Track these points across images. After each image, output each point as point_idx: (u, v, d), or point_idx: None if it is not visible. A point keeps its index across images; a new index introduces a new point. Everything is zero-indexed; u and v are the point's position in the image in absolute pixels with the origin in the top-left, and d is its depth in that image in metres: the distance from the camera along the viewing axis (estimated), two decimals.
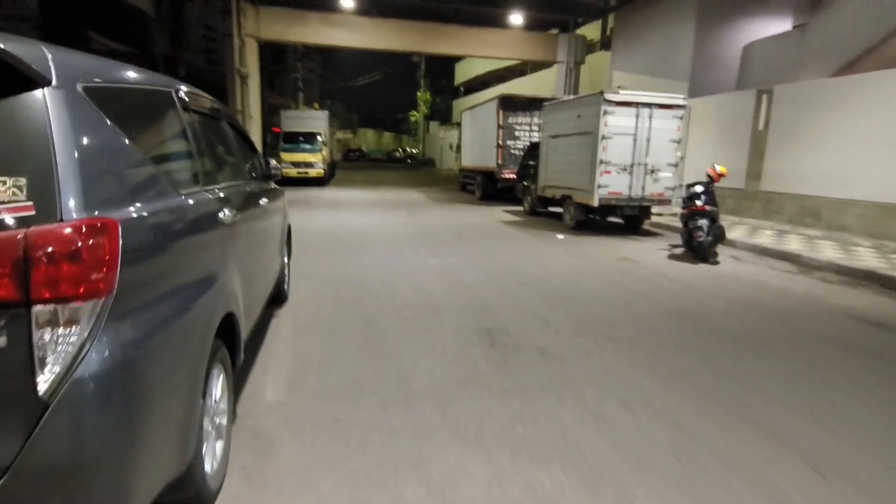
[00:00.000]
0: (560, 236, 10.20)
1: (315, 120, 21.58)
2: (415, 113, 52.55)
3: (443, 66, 51.24)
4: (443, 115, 49.54)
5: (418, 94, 48.78)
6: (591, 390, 3.53)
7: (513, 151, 15.10)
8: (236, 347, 2.52)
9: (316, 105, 22.27)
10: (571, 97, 10.73)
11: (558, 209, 12.83)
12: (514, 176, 14.89)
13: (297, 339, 4.39)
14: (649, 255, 8.48)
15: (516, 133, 15.05)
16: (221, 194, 2.59)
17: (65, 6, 19.07)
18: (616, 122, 9.72)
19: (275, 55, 32.20)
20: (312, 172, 19.93)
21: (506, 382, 3.61)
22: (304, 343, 4.32)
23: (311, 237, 9.38)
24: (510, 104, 14.86)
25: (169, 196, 1.95)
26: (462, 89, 46.64)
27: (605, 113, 9.65)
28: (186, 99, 2.49)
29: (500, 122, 14.77)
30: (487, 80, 40.96)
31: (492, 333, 4.65)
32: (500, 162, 14.98)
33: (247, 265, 2.78)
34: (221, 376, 2.30)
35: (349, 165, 44.64)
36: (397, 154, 73.03)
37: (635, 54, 17.63)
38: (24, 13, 18.31)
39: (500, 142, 14.90)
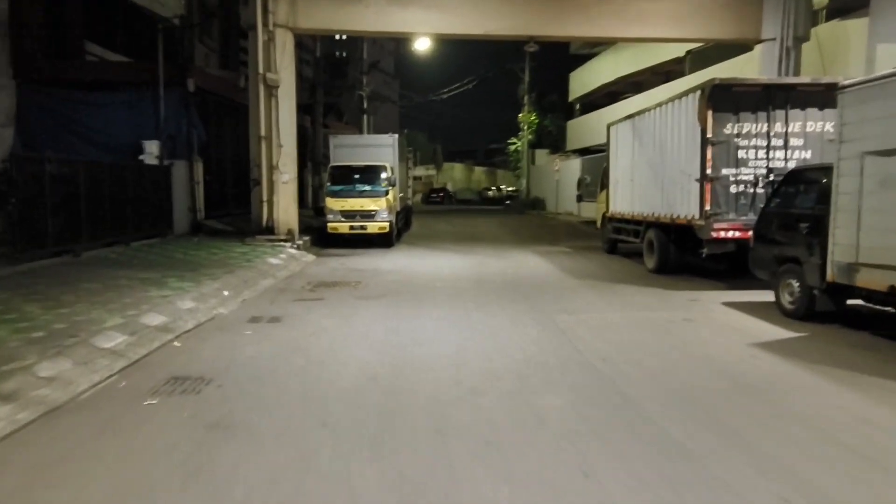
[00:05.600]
0: None
1: (378, 148, 17.92)
2: (515, 140, 48.23)
3: (551, 80, 46.92)
4: (552, 141, 44.82)
5: (520, 115, 44.49)
6: None
7: (734, 187, 9.85)
8: None
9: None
10: None
11: (873, 307, 7.00)
12: (739, 234, 9.54)
13: None
14: None
15: (741, 153, 9.83)
16: None
17: (65, 17, 17.20)
18: None
19: (333, 68, 28.97)
20: (373, 227, 16.29)
21: None
22: None
23: (302, 452, 4.16)
24: (728, 98, 9.84)
25: None
26: (577, 107, 41.86)
27: None
28: None
29: (710, 133, 9.72)
30: (615, 92, 35.89)
31: None
32: (708, 208, 9.72)
33: None
34: None
35: (430, 210, 41.22)
36: (491, 193, 69.47)
37: None
38: None
39: (710, 170, 9.73)
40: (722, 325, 7.61)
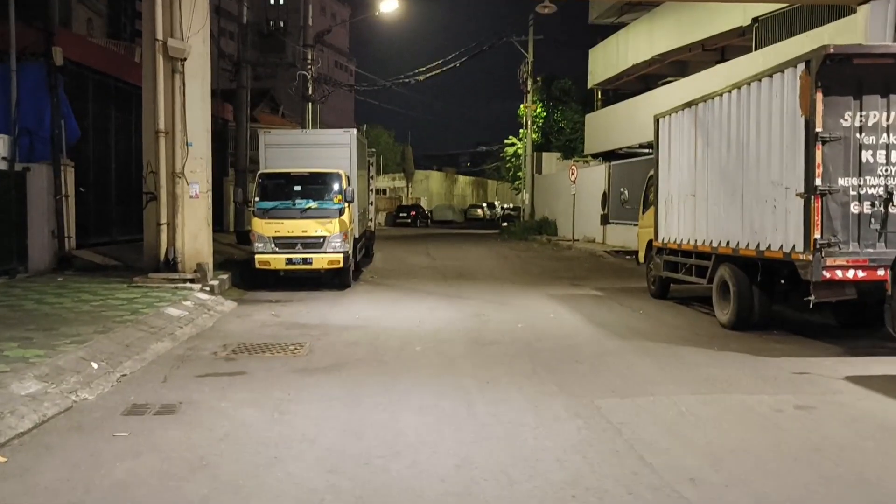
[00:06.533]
0: None
1: (328, 148, 17.84)
2: (514, 140, 48.18)
3: (563, 60, 47.10)
4: (565, 141, 44.93)
5: (521, 107, 44.59)
6: None
7: (856, 206, 9.65)
8: None
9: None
10: None
11: None
12: (864, 275, 9.34)
13: None
14: None
15: (866, 154, 9.55)
16: None
17: None
18: None
19: (265, 41, 28.49)
20: (321, 261, 16.08)
21: None
22: None
23: None
24: (846, 75, 9.41)
25: None
26: (598, 95, 41.94)
27: None
28: None
29: (820, 127, 9.40)
30: (651, 75, 36.02)
31: None
32: (818, 236, 9.55)
33: None
34: None
35: (399, 235, 41.44)
36: (480, 212, 69.58)
37: None
38: None
39: (820, 180, 9.45)
40: (860, 417, 6.83)
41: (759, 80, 10.77)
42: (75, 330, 9.41)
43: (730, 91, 11.74)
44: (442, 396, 7.38)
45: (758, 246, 10.79)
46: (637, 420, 6.58)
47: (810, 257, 9.38)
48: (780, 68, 10.17)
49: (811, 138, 9.36)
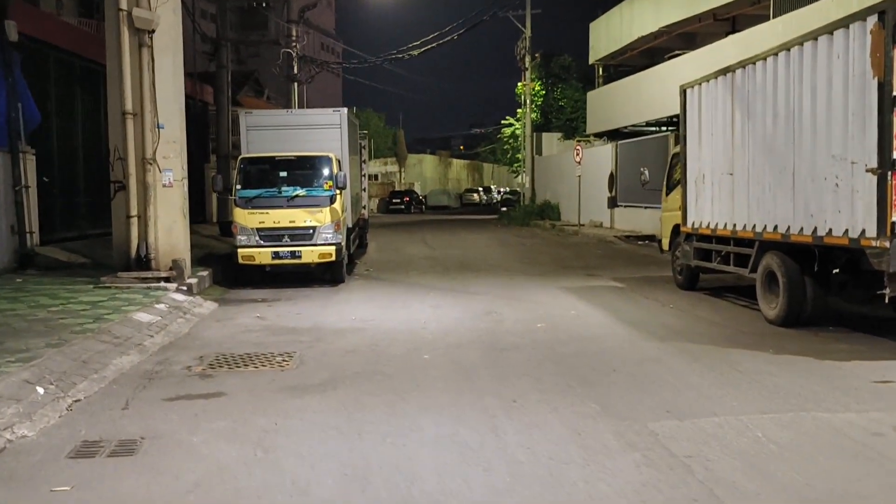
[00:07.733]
0: None
1: (317, 130, 17.14)
2: (511, 121, 47.23)
3: (562, 36, 46.28)
4: (566, 121, 44.03)
5: (519, 85, 43.61)
6: None
7: None
8: None
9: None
10: None
11: None
12: None
13: None
14: None
15: None
16: None
17: None
18: None
19: (246, 17, 27.38)
20: (311, 255, 15.32)
21: None
22: None
23: None
24: None
25: None
26: (599, 70, 40.97)
27: None
28: None
29: None
30: (656, 49, 35.01)
31: None
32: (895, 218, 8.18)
33: None
34: None
35: (393, 222, 40.46)
36: (477, 197, 68.72)
37: None
38: None
39: None
40: None
41: (815, 39, 9.58)
42: (24, 343, 8.23)
43: (776, 53, 10.57)
44: (461, 422, 6.22)
45: (814, 231, 9.69)
46: (706, 451, 5.44)
47: (886, 244, 8.24)
48: (844, 23, 9.00)
49: (886, 103, 8.24)
